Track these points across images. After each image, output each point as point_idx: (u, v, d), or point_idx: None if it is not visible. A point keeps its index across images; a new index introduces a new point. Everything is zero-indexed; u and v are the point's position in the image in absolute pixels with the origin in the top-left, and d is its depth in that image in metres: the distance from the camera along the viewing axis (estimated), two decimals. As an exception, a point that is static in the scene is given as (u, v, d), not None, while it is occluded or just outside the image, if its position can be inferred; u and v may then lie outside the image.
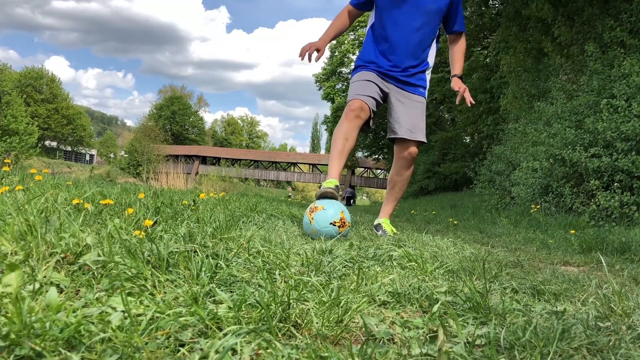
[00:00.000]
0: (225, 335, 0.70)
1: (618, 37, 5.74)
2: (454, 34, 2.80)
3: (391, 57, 2.64)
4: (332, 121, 31.09)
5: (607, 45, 5.94)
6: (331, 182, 2.38)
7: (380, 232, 2.60)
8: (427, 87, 2.81)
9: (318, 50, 2.60)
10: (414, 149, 2.66)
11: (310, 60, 2.61)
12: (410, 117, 2.67)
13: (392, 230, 2.64)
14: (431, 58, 2.79)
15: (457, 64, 2.84)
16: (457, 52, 2.84)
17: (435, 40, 2.76)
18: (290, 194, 37.24)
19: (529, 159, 5.72)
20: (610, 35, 5.79)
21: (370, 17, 2.76)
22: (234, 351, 0.66)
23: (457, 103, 2.81)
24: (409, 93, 2.70)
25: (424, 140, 2.69)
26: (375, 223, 2.78)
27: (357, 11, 2.76)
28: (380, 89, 2.64)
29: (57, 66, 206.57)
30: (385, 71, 2.64)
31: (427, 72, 2.79)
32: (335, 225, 2.14)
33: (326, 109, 76.14)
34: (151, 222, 1.45)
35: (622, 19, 5.95)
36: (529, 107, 8.30)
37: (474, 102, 2.77)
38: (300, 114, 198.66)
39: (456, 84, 2.80)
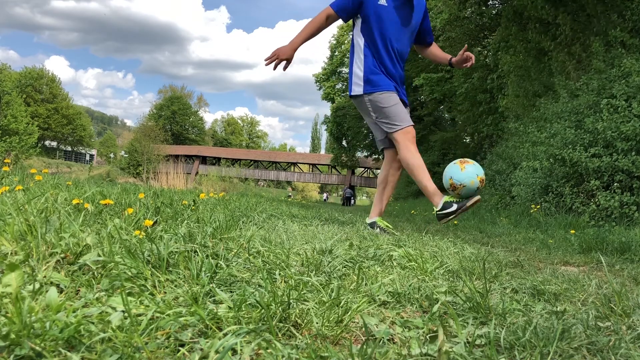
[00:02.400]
0: (225, 335, 0.70)
1: (619, 37, 5.74)
2: (429, 44, 3.04)
3: (395, 72, 2.77)
4: (332, 121, 31.07)
5: (609, 44, 5.94)
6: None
7: (378, 230, 2.69)
8: None
9: (287, 61, 2.63)
10: None
11: (275, 69, 2.64)
12: None
13: (387, 225, 2.80)
14: None
15: (444, 55, 3.04)
16: (437, 49, 3.05)
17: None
18: (290, 193, 37.27)
19: (529, 158, 5.72)
20: (615, 33, 5.79)
21: (359, 32, 2.77)
22: (234, 351, 0.66)
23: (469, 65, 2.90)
24: None
25: None
26: (369, 222, 2.88)
27: (337, 18, 2.75)
28: None
29: (57, 66, 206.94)
30: (398, 87, 2.78)
31: None
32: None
33: (326, 109, 76.22)
34: (151, 222, 1.45)
35: (625, 17, 5.94)
36: (531, 106, 8.30)
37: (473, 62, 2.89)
38: (300, 114, 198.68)
39: (463, 53, 2.87)
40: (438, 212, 2.51)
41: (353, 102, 2.89)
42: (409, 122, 2.66)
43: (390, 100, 2.67)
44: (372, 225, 2.83)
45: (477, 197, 2.44)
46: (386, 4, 2.67)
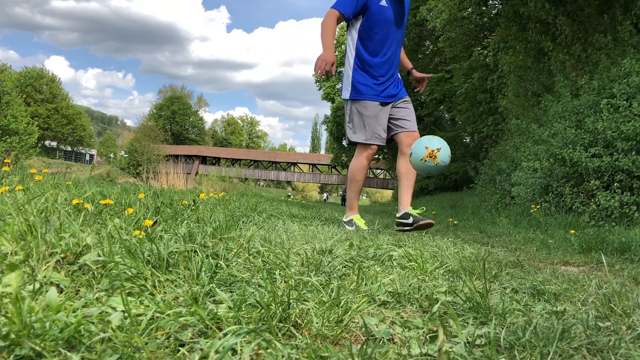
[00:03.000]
0: (225, 335, 0.70)
1: (625, 32, 5.74)
2: None
3: (388, 71, 2.91)
4: (332, 121, 31.09)
5: (616, 39, 5.93)
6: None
7: (411, 220, 2.72)
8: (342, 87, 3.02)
9: (333, 64, 2.68)
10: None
11: (328, 75, 2.76)
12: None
13: (418, 212, 2.81)
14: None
15: (408, 62, 3.21)
16: (404, 53, 3.15)
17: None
18: (290, 193, 37.26)
19: (530, 158, 5.72)
20: (621, 31, 5.78)
21: (356, 31, 2.85)
22: (234, 351, 0.66)
23: (422, 89, 3.14)
24: None
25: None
26: (401, 213, 2.81)
27: (344, 19, 2.82)
28: None
29: (57, 66, 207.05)
30: (383, 86, 2.95)
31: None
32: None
33: (326, 109, 76.23)
34: (151, 222, 1.45)
35: (632, 12, 5.93)
36: (531, 105, 8.30)
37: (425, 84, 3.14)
38: (300, 114, 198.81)
39: (418, 74, 3.13)
40: (344, 221, 2.93)
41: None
42: (375, 140, 2.81)
43: (365, 109, 2.82)
44: (406, 216, 2.76)
45: (365, 229, 2.69)
46: (386, 5, 2.75)
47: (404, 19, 2.87)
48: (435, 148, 2.46)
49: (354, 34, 2.84)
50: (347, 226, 2.84)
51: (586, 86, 5.52)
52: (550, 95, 7.04)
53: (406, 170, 2.84)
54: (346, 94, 2.87)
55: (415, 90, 3.14)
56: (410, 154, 2.55)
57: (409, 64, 3.14)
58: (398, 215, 2.80)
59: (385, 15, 2.76)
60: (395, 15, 2.79)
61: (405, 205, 2.83)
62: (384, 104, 2.84)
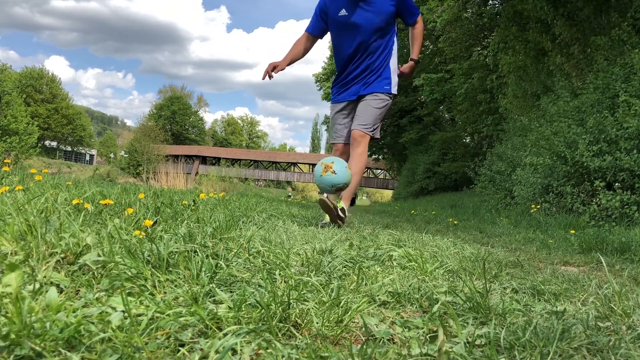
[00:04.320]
0: (225, 335, 0.70)
1: (621, 35, 5.74)
2: (411, 24, 3.24)
3: (355, 72, 3.09)
4: (332, 121, 31.06)
5: (613, 41, 5.93)
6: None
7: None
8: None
9: (275, 68, 2.89)
10: None
11: (270, 77, 2.92)
12: None
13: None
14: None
15: (417, 48, 3.30)
16: (416, 37, 3.23)
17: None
18: (290, 194, 37.23)
19: (532, 155, 5.71)
20: (619, 33, 5.79)
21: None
22: (234, 351, 0.66)
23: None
24: None
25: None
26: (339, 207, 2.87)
27: (314, 37, 3.08)
28: None
29: (57, 66, 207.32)
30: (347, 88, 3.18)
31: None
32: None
33: (326, 108, 76.11)
34: (151, 222, 1.44)
35: (627, 15, 5.94)
36: (530, 106, 8.29)
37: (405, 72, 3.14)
38: (300, 114, 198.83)
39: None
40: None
41: None
42: (334, 139, 3.07)
43: (331, 111, 3.12)
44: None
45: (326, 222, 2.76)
46: (346, 13, 2.86)
47: (370, 16, 2.88)
48: (329, 162, 2.68)
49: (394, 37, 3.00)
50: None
51: (590, 85, 5.51)
52: (550, 95, 7.04)
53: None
54: (395, 88, 3.00)
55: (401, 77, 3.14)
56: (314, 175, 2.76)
57: (416, 52, 3.14)
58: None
59: (343, 23, 2.89)
60: (357, 17, 2.87)
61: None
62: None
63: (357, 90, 2.97)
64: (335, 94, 3.09)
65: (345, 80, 3.01)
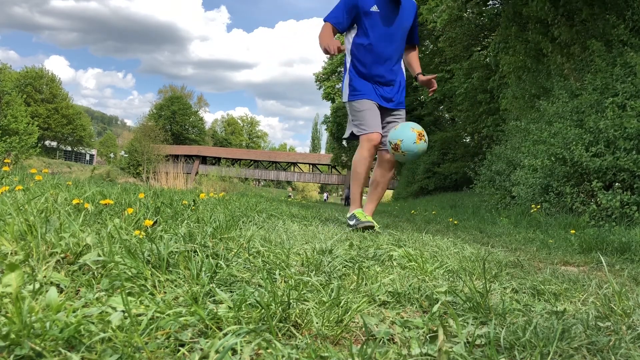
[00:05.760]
0: (225, 335, 0.70)
1: (620, 36, 5.74)
2: (412, 46, 3.17)
3: (384, 73, 2.96)
4: (333, 121, 31.08)
5: (610, 43, 5.94)
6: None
7: (354, 222, 2.77)
8: (344, 91, 3.02)
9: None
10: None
11: (339, 51, 2.72)
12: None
13: (377, 226, 2.88)
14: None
15: (417, 66, 3.24)
16: (415, 56, 3.19)
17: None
18: (290, 194, 37.26)
19: (530, 157, 5.72)
20: (617, 33, 5.79)
21: (351, 38, 2.93)
22: (234, 351, 0.66)
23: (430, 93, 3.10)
24: None
25: None
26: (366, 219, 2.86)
27: (337, 30, 2.92)
28: None
29: (57, 66, 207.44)
30: (378, 89, 2.99)
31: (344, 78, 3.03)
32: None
33: (326, 108, 76.28)
34: (151, 222, 1.44)
35: (625, 17, 5.94)
36: (530, 107, 8.29)
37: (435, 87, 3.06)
38: (300, 114, 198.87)
39: (431, 78, 3.08)
40: (347, 217, 2.91)
41: None
42: (374, 128, 2.80)
43: (364, 105, 2.84)
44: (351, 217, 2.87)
45: (369, 224, 2.67)
46: (378, 10, 2.78)
47: (402, 20, 2.87)
48: (420, 129, 2.63)
49: (349, 39, 2.92)
50: (349, 221, 2.81)
51: (589, 85, 5.51)
52: (548, 96, 7.04)
53: (385, 182, 3.00)
54: (345, 96, 2.95)
55: (429, 89, 3.06)
56: (402, 140, 2.62)
57: (417, 68, 3.12)
58: (348, 215, 2.87)
59: (375, 20, 2.81)
60: (389, 18, 2.83)
61: (369, 212, 2.95)
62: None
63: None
64: (375, 91, 2.89)
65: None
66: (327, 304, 0.87)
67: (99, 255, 1.00)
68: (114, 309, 0.75)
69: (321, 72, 33.22)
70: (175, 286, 0.93)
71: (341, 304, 0.88)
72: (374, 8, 2.77)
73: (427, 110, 21.33)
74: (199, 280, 0.97)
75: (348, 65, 2.93)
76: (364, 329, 0.80)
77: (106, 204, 1.84)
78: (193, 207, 2.40)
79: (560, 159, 4.79)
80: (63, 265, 1.00)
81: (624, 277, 1.63)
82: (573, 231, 3.39)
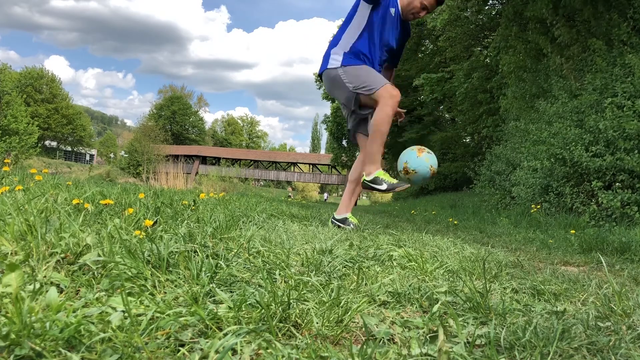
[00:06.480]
0: (225, 335, 0.70)
1: (621, 36, 5.74)
2: (392, 67, 3.16)
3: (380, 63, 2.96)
4: (333, 121, 31.05)
5: (611, 42, 5.94)
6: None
7: (352, 226, 2.80)
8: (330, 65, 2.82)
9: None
10: None
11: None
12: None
13: (357, 220, 2.94)
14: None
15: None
16: (392, 79, 3.18)
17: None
18: (290, 194, 37.25)
19: (529, 158, 5.72)
20: (618, 32, 5.79)
21: (366, 16, 2.78)
22: (234, 351, 0.66)
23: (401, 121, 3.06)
24: None
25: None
26: (339, 217, 2.91)
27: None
28: None
29: (57, 66, 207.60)
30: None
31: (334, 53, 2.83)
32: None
33: (326, 108, 76.25)
34: (151, 222, 1.44)
35: (627, 16, 5.94)
36: (529, 107, 8.29)
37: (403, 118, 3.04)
38: (300, 114, 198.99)
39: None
40: (366, 180, 2.64)
41: (324, 80, 2.84)
42: (386, 81, 2.64)
43: (366, 69, 2.70)
44: (344, 221, 2.88)
45: (407, 185, 2.57)
46: (393, 15, 2.80)
47: (400, 37, 2.90)
48: (436, 167, 2.61)
49: (364, 15, 2.77)
50: (374, 185, 2.61)
51: (589, 85, 5.51)
52: (548, 97, 7.05)
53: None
54: (336, 63, 2.76)
55: (399, 122, 3.03)
56: (416, 172, 2.57)
57: None
58: (367, 178, 2.68)
59: (389, 20, 2.79)
60: (396, 28, 2.84)
61: (348, 210, 2.94)
62: None
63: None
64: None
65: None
66: (327, 304, 0.87)
67: (99, 256, 1.00)
68: (114, 309, 0.75)
69: (321, 72, 33.14)
70: (175, 286, 0.93)
71: (341, 304, 0.88)
72: (392, 11, 2.78)
73: (427, 110, 21.33)
74: (199, 280, 0.97)
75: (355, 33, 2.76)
76: (364, 329, 0.80)
77: (106, 204, 1.84)
78: (193, 207, 2.40)
79: (560, 159, 4.79)
80: (63, 265, 1.00)
81: (624, 277, 1.63)
82: (573, 231, 3.39)
